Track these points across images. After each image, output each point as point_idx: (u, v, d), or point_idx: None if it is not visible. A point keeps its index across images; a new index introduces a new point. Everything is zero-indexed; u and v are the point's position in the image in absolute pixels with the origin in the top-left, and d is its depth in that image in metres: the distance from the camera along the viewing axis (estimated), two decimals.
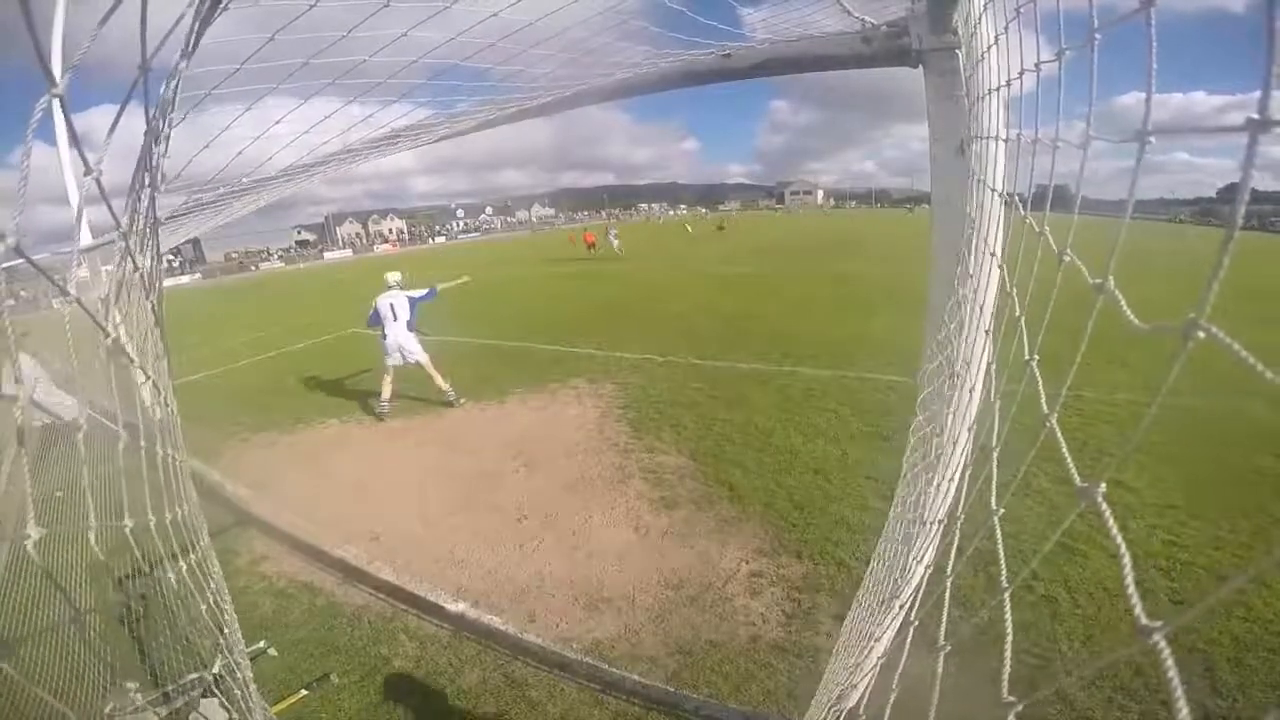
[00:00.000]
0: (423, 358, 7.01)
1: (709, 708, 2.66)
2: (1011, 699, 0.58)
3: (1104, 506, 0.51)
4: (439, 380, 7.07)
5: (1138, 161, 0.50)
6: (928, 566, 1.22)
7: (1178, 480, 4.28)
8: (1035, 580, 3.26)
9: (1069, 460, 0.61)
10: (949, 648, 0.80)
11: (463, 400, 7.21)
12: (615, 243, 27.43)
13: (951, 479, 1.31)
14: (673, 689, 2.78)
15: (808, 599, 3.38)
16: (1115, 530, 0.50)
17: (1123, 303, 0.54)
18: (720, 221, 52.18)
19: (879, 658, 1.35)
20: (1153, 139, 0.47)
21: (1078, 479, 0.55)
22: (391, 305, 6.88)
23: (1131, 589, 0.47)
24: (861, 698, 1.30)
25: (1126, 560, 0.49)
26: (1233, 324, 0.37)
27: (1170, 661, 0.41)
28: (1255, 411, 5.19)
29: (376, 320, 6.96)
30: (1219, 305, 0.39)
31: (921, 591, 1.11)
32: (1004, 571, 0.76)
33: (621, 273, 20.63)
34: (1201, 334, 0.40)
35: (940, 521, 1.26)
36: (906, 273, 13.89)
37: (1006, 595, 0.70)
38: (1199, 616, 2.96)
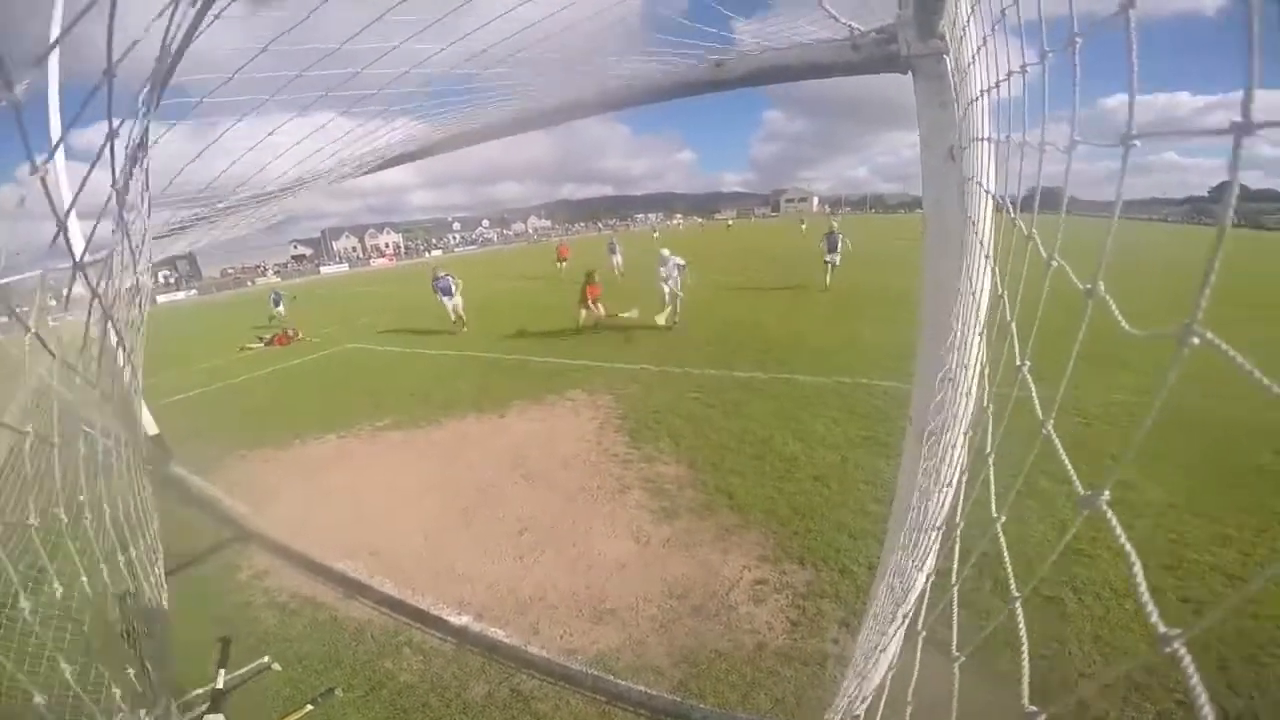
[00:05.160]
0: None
1: (716, 717, 2.64)
2: (1033, 709, 0.57)
3: (1110, 515, 0.51)
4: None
5: (1123, 164, 0.51)
6: (929, 574, 1.21)
7: (1179, 479, 4.28)
8: (1041, 582, 3.25)
9: (1069, 468, 0.61)
10: (963, 658, 0.79)
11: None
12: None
13: (950, 484, 1.31)
14: (679, 699, 2.76)
15: (812, 605, 3.36)
16: (1124, 538, 0.49)
17: (1114, 307, 0.54)
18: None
19: (888, 668, 1.34)
20: (1137, 142, 0.48)
21: (1079, 487, 0.55)
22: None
23: (1145, 596, 0.46)
24: (862, 707, 1.29)
25: (1138, 567, 0.48)
26: (1235, 317, 0.36)
27: (1192, 668, 0.41)
28: (1254, 409, 5.20)
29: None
30: (1220, 301, 0.39)
31: (925, 600, 1.10)
32: (1012, 579, 0.75)
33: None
34: (1196, 340, 0.39)
35: (939, 529, 1.25)
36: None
37: (1018, 604, 0.69)
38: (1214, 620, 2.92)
